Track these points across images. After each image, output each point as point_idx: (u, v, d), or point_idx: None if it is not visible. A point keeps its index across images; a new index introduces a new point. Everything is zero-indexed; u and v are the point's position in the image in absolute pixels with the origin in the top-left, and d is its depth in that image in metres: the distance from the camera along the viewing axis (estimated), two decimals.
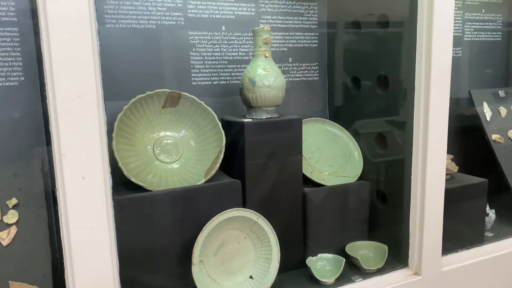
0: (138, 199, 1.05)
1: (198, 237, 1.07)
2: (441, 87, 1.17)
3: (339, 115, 1.55)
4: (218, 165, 1.17)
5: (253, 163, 1.18)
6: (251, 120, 1.19)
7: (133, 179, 1.07)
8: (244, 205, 1.18)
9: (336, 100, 1.55)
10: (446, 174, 1.42)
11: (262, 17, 1.40)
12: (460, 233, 1.39)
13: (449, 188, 1.36)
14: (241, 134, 1.17)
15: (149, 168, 1.16)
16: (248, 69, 1.21)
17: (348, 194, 1.35)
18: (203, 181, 1.14)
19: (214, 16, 1.33)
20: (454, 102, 1.76)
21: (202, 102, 1.20)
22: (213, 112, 1.20)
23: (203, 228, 1.07)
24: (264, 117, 1.22)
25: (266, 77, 1.18)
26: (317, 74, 1.53)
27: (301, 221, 1.28)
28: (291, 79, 1.49)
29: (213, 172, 1.16)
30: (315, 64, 1.52)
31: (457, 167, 1.47)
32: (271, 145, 1.20)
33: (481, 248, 1.41)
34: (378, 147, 1.39)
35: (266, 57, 1.20)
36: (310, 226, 1.29)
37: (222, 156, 1.17)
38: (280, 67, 1.46)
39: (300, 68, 1.50)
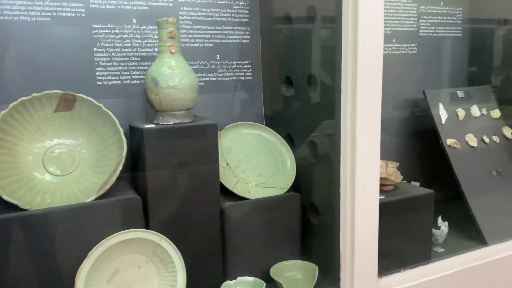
0: (5, 222, 0.89)
1: (82, 265, 0.91)
2: (371, 89, 1.02)
3: (274, 119, 1.40)
4: (114, 179, 1.01)
5: (157, 176, 1.03)
6: (153, 126, 1.04)
7: (4, 197, 0.91)
8: (146, 224, 1.03)
9: (272, 102, 1.40)
10: (389, 185, 1.29)
11: (182, 8, 1.24)
12: (402, 250, 1.25)
13: (390, 200, 1.24)
14: (142, 143, 1.02)
15: (34, 183, 1.00)
16: (152, 67, 1.05)
17: (277, 207, 1.20)
18: (93, 197, 0.99)
19: (122, 7, 1.17)
20: (406, 104, 1.63)
21: (101, 105, 1.05)
22: (113, 117, 1.05)
23: (89, 254, 0.92)
24: (172, 123, 1.06)
25: (171, 77, 1.03)
26: (250, 73, 1.38)
27: (219, 241, 1.13)
28: (219, 78, 1.34)
29: (107, 187, 1.00)
30: (247, 62, 1.37)
31: (402, 177, 1.33)
32: (179, 155, 1.05)
33: (427, 266, 1.27)
34: (310, 155, 1.25)
35: (172, 53, 1.05)
36: (229, 246, 1.14)
37: (120, 167, 1.02)
38: (206, 65, 1.31)
39: (230, 67, 1.35)
